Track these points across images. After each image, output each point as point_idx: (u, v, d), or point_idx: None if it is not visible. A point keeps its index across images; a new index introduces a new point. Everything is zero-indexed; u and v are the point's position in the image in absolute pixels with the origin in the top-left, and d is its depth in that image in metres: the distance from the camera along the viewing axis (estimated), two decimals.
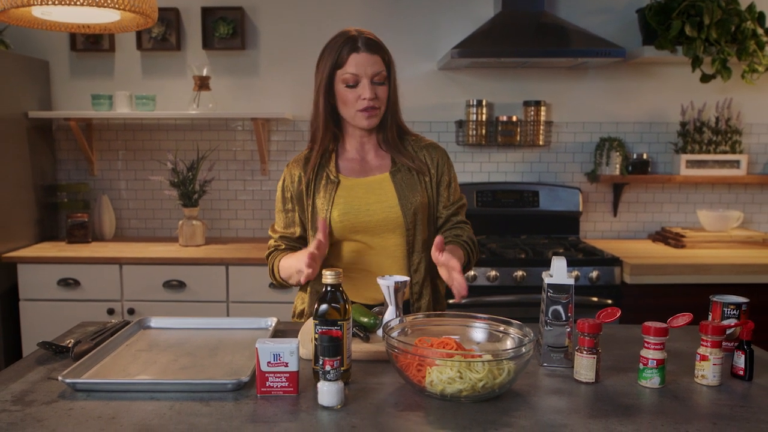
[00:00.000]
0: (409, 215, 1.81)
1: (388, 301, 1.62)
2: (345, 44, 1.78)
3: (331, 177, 1.85)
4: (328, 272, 1.36)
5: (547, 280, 1.48)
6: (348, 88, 1.78)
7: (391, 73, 1.83)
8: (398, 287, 1.60)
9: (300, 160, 1.91)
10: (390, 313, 1.61)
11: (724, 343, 1.40)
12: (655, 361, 1.36)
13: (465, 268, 1.83)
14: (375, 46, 1.79)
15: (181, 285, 3.09)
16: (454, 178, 1.95)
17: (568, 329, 1.47)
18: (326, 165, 1.88)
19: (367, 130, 1.87)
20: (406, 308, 1.86)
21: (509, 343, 1.42)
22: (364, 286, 1.86)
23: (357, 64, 1.76)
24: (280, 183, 1.94)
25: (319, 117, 1.85)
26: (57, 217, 3.67)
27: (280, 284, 1.93)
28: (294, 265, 1.80)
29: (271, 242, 1.96)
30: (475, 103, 3.56)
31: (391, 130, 1.87)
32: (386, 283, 1.60)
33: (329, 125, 1.86)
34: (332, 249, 1.86)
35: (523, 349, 1.28)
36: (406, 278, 1.63)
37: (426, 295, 1.88)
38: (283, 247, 1.93)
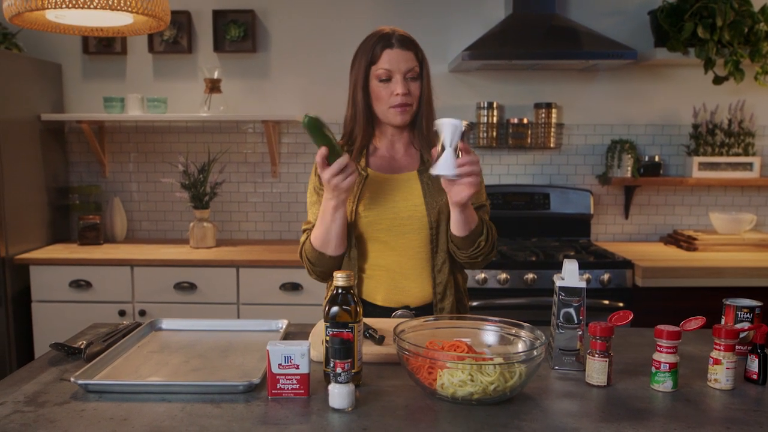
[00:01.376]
0: (434, 214, 1.80)
1: (447, 143, 1.53)
2: (379, 41, 1.80)
3: (360, 171, 1.84)
4: (339, 274, 1.36)
5: (558, 282, 1.48)
6: (381, 83, 1.79)
7: (424, 71, 1.83)
8: (466, 130, 1.54)
9: None
10: (448, 156, 1.53)
11: (737, 347, 1.39)
12: (667, 365, 1.35)
13: (478, 240, 1.76)
14: (408, 43, 1.80)
15: (192, 287, 3.10)
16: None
17: (580, 332, 1.46)
18: (356, 161, 1.87)
19: (399, 128, 1.87)
20: (429, 311, 1.85)
21: (521, 346, 1.42)
22: (387, 287, 1.85)
23: (390, 59, 1.77)
24: (312, 176, 1.92)
25: (358, 114, 1.85)
26: (69, 219, 3.69)
27: (314, 266, 1.83)
28: (320, 217, 1.75)
29: (303, 237, 1.90)
30: (485, 105, 3.56)
31: (422, 128, 1.86)
32: (454, 122, 1.52)
33: (369, 123, 1.86)
34: (356, 247, 1.85)
35: (535, 352, 1.28)
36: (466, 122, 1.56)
37: (450, 295, 1.86)
38: None
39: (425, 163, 1.86)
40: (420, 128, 1.87)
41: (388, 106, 1.79)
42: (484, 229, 1.81)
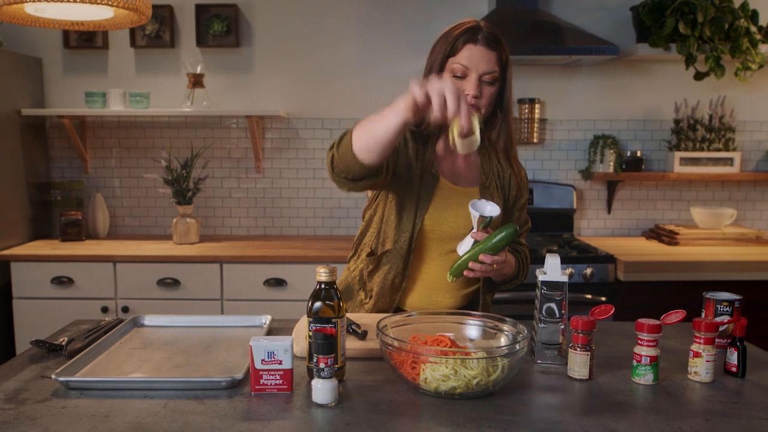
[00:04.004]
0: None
1: (474, 226, 1.64)
2: (464, 33, 1.65)
3: (433, 172, 1.74)
4: (322, 269, 1.35)
5: (541, 277, 1.48)
6: (454, 78, 1.66)
7: (508, 75, 1.71)
8: (483, 221, 1.62)
9: (409, 133, 1.74)
10: (468, 240, 1.64)
11: (717, 340, 1.41)
12: (648, 358, 1.36)
13: (512, 281, 1.83)
14: (494, 43, 1.66)
15: (175, 283, 3.08)
16: (527, 201, 1.90)
17: (562, 326, 1.47)
18: (428, 155, 1.75)
19: None
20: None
21: (503, 341, 1.43)
22: (419, 299, 1.82)
23: (470, 56, 1.64)
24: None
25: None
26: (50, 215, 3.65)
27: (338, 159, 1.53)
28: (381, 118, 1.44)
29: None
30: None
31: (502, 138, 1.77)
32: (475, 213, 1.62)
33: None
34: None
35: (517, 346, 1.28)
36: (497, 211, 1.63)
37: (479, 308, 1.87)
38: None
39: (488, 178, 1.80)
40: (500, 136, 1.77)
41: None
42: (519, 272, 1.81)
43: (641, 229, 3.77)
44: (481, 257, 1.59)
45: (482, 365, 1.25)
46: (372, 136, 1.46)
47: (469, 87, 1.65)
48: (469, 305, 1.87)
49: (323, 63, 3.61)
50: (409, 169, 1.74)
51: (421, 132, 1.76)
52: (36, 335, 1.85)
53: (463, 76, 1.66)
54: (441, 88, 1.34)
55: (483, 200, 1.68)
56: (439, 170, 1.78)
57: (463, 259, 1.63)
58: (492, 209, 1.65)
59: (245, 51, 3.62)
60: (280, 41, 3.61)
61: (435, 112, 1.35)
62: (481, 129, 1.52)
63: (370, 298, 1.84)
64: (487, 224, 1.63)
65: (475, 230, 1.63)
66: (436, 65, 1.69)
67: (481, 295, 1.87)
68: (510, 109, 1.75)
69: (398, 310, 1.85)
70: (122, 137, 3.68)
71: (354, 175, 1.55)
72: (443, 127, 1.72)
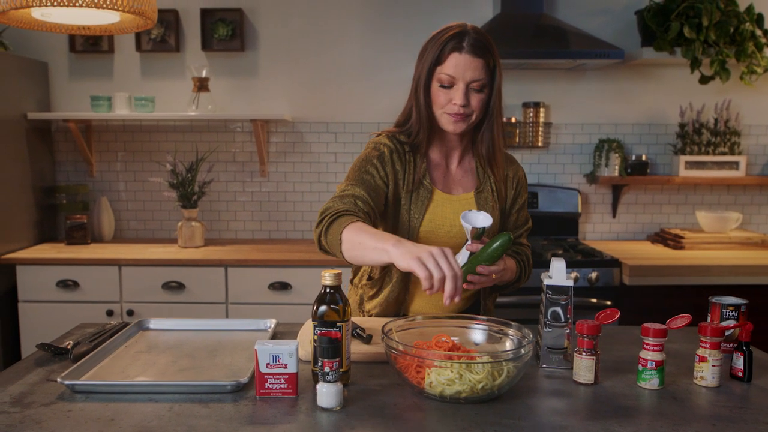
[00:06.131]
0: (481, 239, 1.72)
1: (468, 237, 1.62)
2: (450, 40, 1.64)
3: (426, 184, 1.75)
4: (327, 273, 1.35)
5: (546, 281, 1.48)
6: (441, 87, 1.66)
7: (496, 81, 1.70)
8: (476, 232, 1.60)
9: (400, 149, 1.74)
10: (463, 252, 1.62)
11: (722, 345, 1.40)
12: (654, 363, 1.36)
13: (514, 284, 1.82)
14: (481, 49, 1.64)
15: (180, 286, 3.09)
16: (526, 201, 1.89)
17: (567, 331, 1.47)
18: (418, 167, 1.75)
19: (458, 136, 1.75)
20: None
21: (508, 345, 1.42)
22: (423, 303, 1.82)
23: (456, 65, 1.63)
24: (376, 151, 1.73)
25: (422, 117, 1.71)
26: (56, 218, 3.67)
27: (325, 251, 1.61)
28: (366, 246, 1.45)
29: (329, 207, 1.60)
30: None
31: (485, 143, 1.76)
32: (467, 226, 1.60)
33: (431, 128, 1.73)
34: None
35: (523, 351, 1.28)
36: (489, 220, 1.62)
37: (483, 311, 1.86)
38: (351, 207, 1.60)
39: (481, 183, 1.80)
40: (483, 142, 1.76)
41: (443, 111, 1.68)
42: (521, 275, 1.80)
43: (646, 233, 3.76)
44: (479, 269, 1.59)
45: (487, 369, 1.24)
46: (359, 257, 1.48)
47: (457, 96, 1.64)
48: (469, 310, 1.86)
49: (328, 67, 3.62)
50: (396, 194, 1.74)
51: (411, 143, 1.76)
52: (41, 338, 1.85)
53: (450, 86, 1.65)
54: (429, 272, 1.33)
55: (474, 211, 1.66)
56: (431, 180, 1.77)
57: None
58: (484, 219, 1.63)
59: (250, 55, 3.63)
60: (285, 45, 3.62)
61: (423, 286, 1.35)
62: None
63: (371, 316, 1.85)
64: (481, 234, 1.62)
65: (469, 242, 1.62)
66: (424, 74, 1.68)
67: (481, 299, 1.86)
68: (497, 113, 1.74)
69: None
70: (128, 141, 3.69)
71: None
72: (432, 135, 1.76)
